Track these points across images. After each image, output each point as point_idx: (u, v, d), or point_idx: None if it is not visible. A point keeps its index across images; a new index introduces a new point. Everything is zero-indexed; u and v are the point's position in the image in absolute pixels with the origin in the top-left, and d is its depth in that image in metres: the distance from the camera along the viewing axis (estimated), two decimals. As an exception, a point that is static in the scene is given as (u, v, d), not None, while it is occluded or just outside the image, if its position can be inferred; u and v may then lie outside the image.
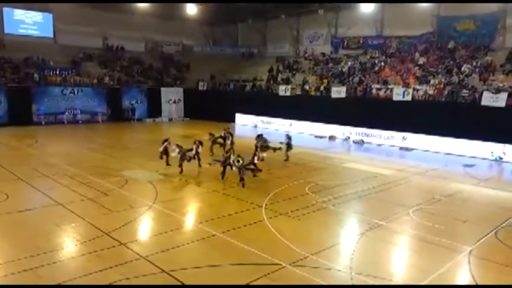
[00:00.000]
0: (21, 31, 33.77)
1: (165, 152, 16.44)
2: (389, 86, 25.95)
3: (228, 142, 18.94)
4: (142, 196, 12.50)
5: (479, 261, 8.47)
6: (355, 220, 11.18)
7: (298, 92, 30.78)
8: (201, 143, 16.53)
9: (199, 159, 16.31)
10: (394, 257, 9.08)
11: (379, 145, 24.39)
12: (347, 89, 27.62)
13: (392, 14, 31.11)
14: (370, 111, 25.31)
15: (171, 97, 37.40)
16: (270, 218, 10.73)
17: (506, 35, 26.04)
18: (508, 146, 19.85)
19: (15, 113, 29.36)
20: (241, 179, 13.83)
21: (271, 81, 34.15)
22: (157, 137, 28.41)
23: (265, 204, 11.83)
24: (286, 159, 18.40)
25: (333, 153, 21.86)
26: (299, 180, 14.89)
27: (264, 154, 16.52)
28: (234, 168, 14.02)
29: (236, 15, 39.64)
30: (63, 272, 7.65)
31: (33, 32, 34.36)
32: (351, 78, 29.36)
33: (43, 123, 30.50)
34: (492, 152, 20.27)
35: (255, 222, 10.38)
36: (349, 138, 26.12)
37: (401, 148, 23.31)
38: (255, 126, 28.99)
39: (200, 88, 37.44)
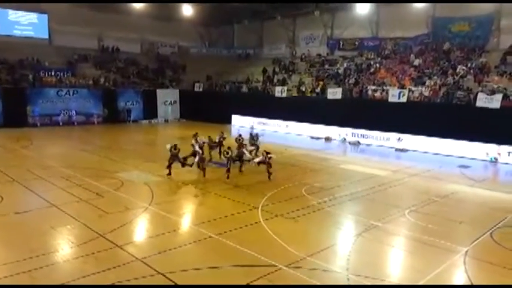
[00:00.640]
0: (16, 32, 33.57)
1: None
2: (385, 87, 26.05)
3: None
4: (138, 198, 12.45)
5: (475, 262, 8.50)
6: (351, 221, 11.19)
7: (295, 93, 30.83)
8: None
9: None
10: (390, 258, 9.09)
11: (375, 146, 24.46)
12: (343, 90, 27.68)
13: (388, 16, 31.26)
14: (366, 113, 25.38)
15: (167, 98, 37.35)
16: (267, 219, 10.73)
17: (500, 36, 26.24)
18: (503, 147, 19.97)
19: (10, 114, 29.14)
20: (228, 170, 14.88)
21: (268, 83, 34.19)
22: (153, 139, 28.59)
23: (262, 206, 11.82)
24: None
25: (329, 154, 21.89)
26: (295, 182, 14.90)
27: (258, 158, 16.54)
28: (223, 157, 15.17)
29: (232, 16, 39.66)
30: (59, 274, 7.61)
31: (28, 33, 34.16)
32: (346, 80, 29.45)
33: (38, 124, 30.31)
34: (487, 153, 20.38)
35: (251, 224, 10.37)
36: (345, 139, 26.18)
37: (397, 149, 23.38)
38: (251, 127, 28.98)
39: (196, 89, 37.40)
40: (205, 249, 8.90)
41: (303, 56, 36.45)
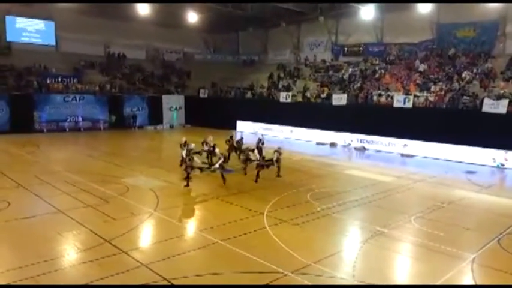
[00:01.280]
0: (24, 39, 33.91)
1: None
2: (390, 93, 26.01)
3: (217, 150, 17.82)
4: (144, 203, 12.48)
5: (483, 269, 8.41)
6: (357, 227, 11.14)
7: (299, 99, 30.86)
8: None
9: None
10: (396, 265, 9.02)
11: (380, 151, 24.37)
12: (348, 96, 27.69)
13: (392, 21, 31.25)
14: (371, 118, 25.34)
15: (172, 104, 37.54)
16: (272, 225, 10.70)
17: (506, 42, 26.10)
18: (510, 152, 19.82)
19: (17, 120, 29.41)
20: (222, 175, 14.95)
21: (272, 88, 34.25)
22: (159, 145, 28.69)
23: (267, 212, 11.80)
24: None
25: (334, 160, 21.85)
26: (300, 187, 14.87)
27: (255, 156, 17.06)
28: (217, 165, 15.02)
29: (237, 23, 39.84)
30: (64, 280, 7.63)
31: (36, 40, 34.50)
32: (351, 85, 29.44)
33: (45, 130, 30.54)
34: (494, 159, 20.23)
35: (255, 230, 10.34)
36: (350, 145, 26.12)
37: (402, 155, 23.28)
38: (255, 132, 29.00)
39: (201, 95, 37.55)
40: (210, 255, 8.88)
41: (307, 62, 36.51)
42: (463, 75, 24.56)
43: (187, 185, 14.47)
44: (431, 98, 23.95)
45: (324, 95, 29.43)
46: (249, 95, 35.38)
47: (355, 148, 25.63)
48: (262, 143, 19.29)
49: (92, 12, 34.35)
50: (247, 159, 16.74)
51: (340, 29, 35.51)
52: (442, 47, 28.36)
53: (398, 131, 23.66)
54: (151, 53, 41.17)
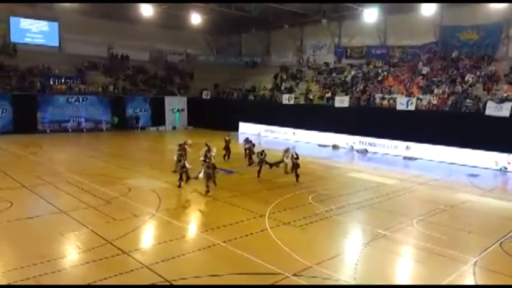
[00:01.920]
0: (27, 40, 34.12)
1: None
2: (393, 96, 25.97)
3: (213, 154, 17.03)
4: (146, 204, 12.50)
5: (485, 273, 8.38)
6: (359, 230, 11.11)
7: (302, 101, 30.87)
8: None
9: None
10: (398, 268, 9.00)
11: (382, 154, 24.32)
12: (350, 98, 27.66)
13: (396, 24, 31.21)
14: (373, 121, 25.29)
15: (175, 106, 37.62)
16: (273, 227, 10.69)
17: (509, 45, 26.06)
18: (512, 155, 19.75)
19: (20, 120, 29.59)
20: (213, 180, 14.41)
21: (275, 90, 34.27)
22: (161, 146, 28.70)
23: (269, 213, 11.79)
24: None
25: (337, 162, 21.82)
26: (302, 189, 14.86)
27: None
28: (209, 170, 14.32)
29: (240, 25, 39.90)
30: (66, 280, 7.65)
31: (39, 40, 34.70)
32: (354, 88, 29.42)
33: (48, 131, 30.67)
34: (497, 162, 20.16)
35: (256, 232, 10.34)
36: (352, 147, 26.08)
37: (405, 157, 23.22)
38: (258, 134, 28.99)
39: (204, 97, 37.65)
40: (211, 256, 8.88)
41: (310, 64, 36.51)
42: (466, 78, 24.50)
43: (180, 186, 14.63)
44: (434, 101, 23.89)
45: (326, 97, 29.40)
46: (251, 96, 35.40)
47: (357, 150, 25.58)
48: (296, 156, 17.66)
49: (96, 14, 34.54)
50: (263, 162, 16.70)
51: (343, 31, 35.51)
52: (445, 49, 28.30)
53: (400, 134, 23.61)
54: (154, 55, 41.27)
